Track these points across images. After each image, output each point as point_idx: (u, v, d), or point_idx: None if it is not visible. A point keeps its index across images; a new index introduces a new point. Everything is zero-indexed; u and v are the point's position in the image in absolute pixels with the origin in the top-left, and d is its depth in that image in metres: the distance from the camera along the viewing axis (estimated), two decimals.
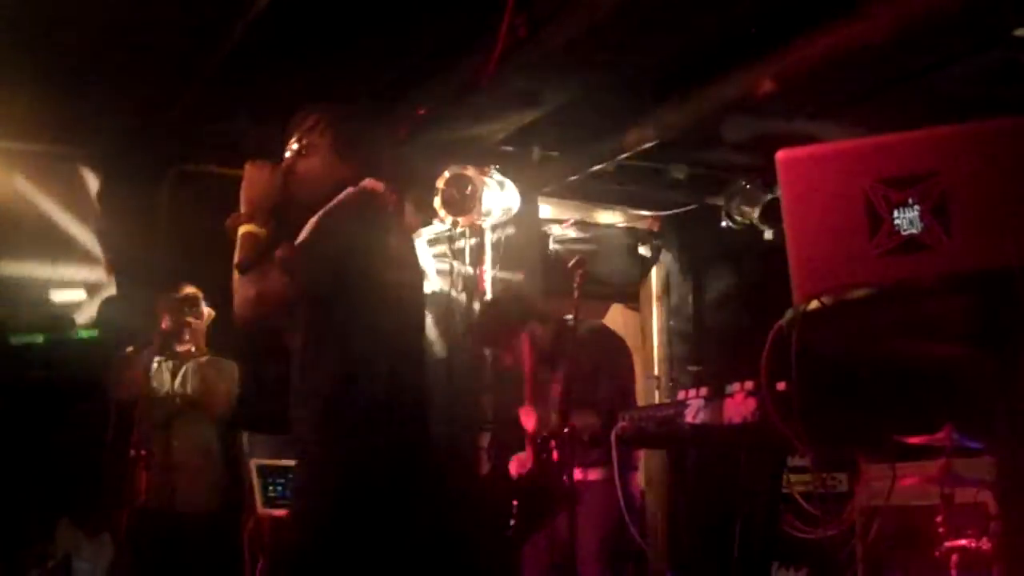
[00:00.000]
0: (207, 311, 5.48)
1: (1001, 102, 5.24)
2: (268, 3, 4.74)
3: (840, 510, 4.66)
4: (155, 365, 5.35)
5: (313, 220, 3.13)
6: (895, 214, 2.19)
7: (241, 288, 3.02)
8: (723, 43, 5.10)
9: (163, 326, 5.24)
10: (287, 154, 3.26)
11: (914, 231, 2.17)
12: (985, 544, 4.53)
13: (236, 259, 3.05)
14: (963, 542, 4.61)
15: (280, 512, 5.47)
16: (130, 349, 5.22)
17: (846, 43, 4.69)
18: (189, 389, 5.43)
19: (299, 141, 3.24)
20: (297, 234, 3.13)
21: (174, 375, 5.46)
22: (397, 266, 3.12)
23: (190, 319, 5.40)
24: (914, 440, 4.62)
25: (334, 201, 3.15)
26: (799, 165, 2.34)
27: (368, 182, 3.19)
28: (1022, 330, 2.07)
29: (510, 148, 6.42)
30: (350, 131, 3.27)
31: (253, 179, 3.16)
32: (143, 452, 5.01)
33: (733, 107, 5.55)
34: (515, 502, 5.04)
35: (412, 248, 3.28)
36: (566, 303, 4.89)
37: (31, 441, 5.81)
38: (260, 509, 5.70)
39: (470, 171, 5.86)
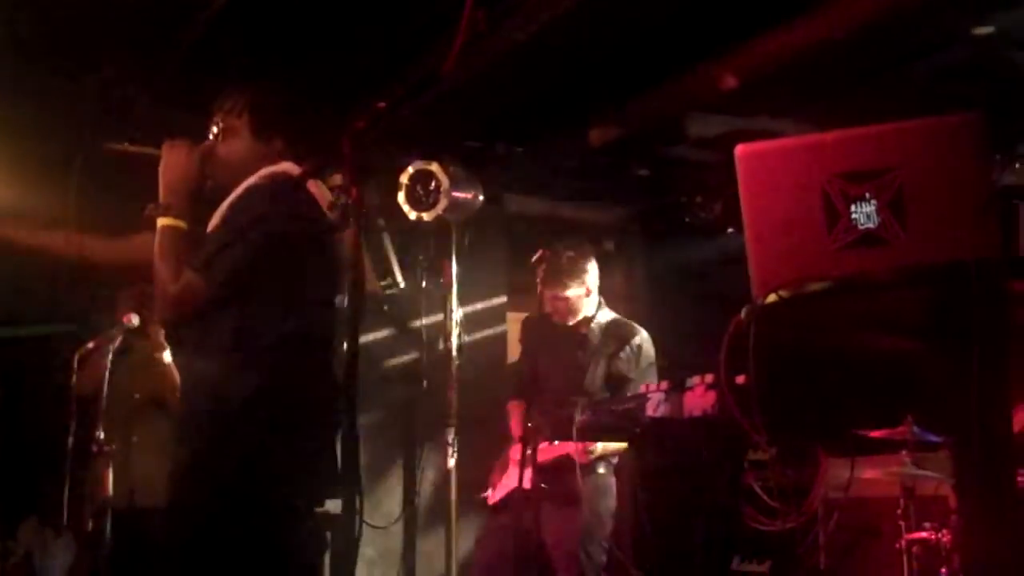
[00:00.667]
0: None
1: (959, 99, 5.28)
2: None
3: (801, 503, 4.69)
4: (116, 360, 5.29)
5: (225, 206, 3.05)
6: (852, 208, 2.20)
7: (160, 285, 2.93)
8: (686, 39, 5.11)
9: (124, 321, 5.19)
10: (209, 136, 3.17)
11: (871, 225, 2.19)
12: (945, 536, 4.57)
13: (155, 254, 2.95)
14: (923, 534, 4.66)
15: None
16: (91, 344, 5.17)
17: (807, 40, 4.72)
18: (150, 385, 5.39)
19: (219, 123, 3.16)
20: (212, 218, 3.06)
21: (134, 370, 5.41)
22: (310, 254, 3.00)
23: (150, 314, 5.35)
24: (874, 433, 4.66)
25: (244, 187, 3.05)
26: (758, 160, 2.35)
27: (281, 166, 3.11)
28: (977, 324, 2.09)
29: (475, 143, 6.42)
30: (270, 112, 3.18)
31: (171, 161, 3.05)
32: (105, 448, 4.97)
33: (696, 104, 5.58)
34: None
35: (326, 238, 3.08)
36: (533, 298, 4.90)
37: None
38: None
39: (434, 166, 5.84)
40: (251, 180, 3.06)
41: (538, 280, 4.78)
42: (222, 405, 2.91)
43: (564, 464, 4.70)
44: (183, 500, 2.96)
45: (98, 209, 3.25)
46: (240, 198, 3.04)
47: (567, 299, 5.14)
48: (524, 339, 5.43)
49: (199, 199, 3.08)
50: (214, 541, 2.84)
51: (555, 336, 5.18)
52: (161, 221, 2.99)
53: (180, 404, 3.15)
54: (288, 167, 3.13)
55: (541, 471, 4.61)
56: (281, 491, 2.91)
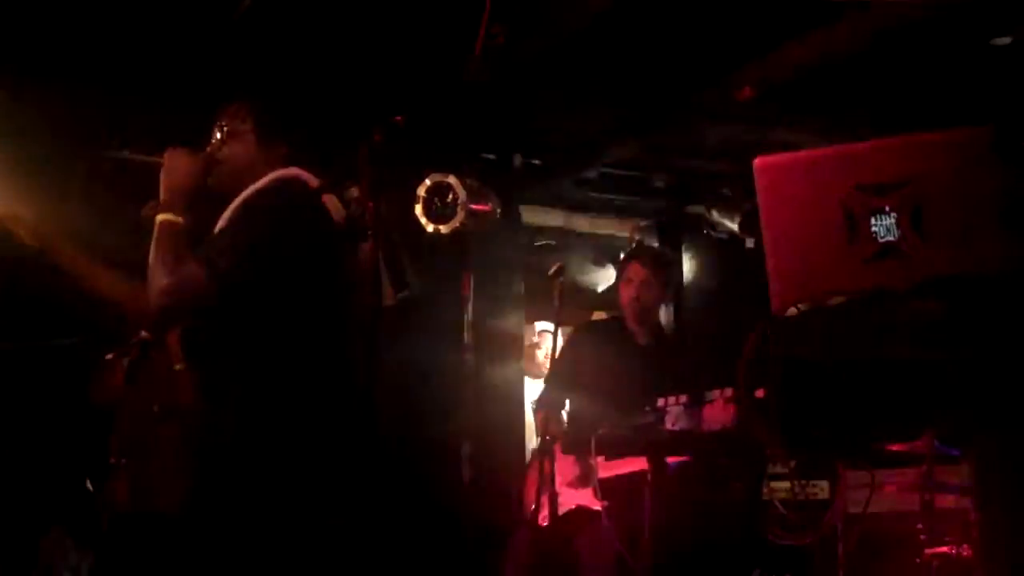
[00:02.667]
0: None
1: (979, 110, 5.26)
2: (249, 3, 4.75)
3: (821, 517, 4.66)
4: (133, 372, 5.31)
5: (232, 207, 3.05)
6: (872, 221, 2.19)
7: (155, 278, 2.90)
8: (704, 51, 5.11)
9: (142, 333, 5.20)
10: (211, 141, 3.16)
11: (891, 238, 2.18)
12: (966, 551, 4.54)
13: (152, 249, 2.93)
14: (944, 549, 4.62)
15: None
16: (109, 356, 5.18)
17: (826, 51, 4.72)
18: (168, 396, 5.40)
19: (222, 128, 3.16)
20: (217, 223, 3.06)
21: (152, 382, 5.42)
22: (319, 257, 2.99)
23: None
24: (894, 447, 4.63)
25: (254, 187, 3.05)
26: (776, 172, 2.34)
27: (291, 170, 3.10)
28: (998, 336, 2.08)
29: (491, 156, 6.42)
30: (273, 118, 3.18)
31: (172, 166, 3.04)
32: (123, 460, 4.98)
33: (714, 116, 5.57)
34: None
35: (336, 241, 3.08)
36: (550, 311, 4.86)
37: (10, 449, 5.78)
38: None
39: (451, 179, 5.84)
40: (259, 183, 3.06)
41: (555, 293, 4.75)
42: (242, 416, 2.91)
43: (631, 481, 4.30)
44: (204, 513, 2.96)
45: (98, 217, 3.24)
46: (248, 198, 3.04)
47: (651, 288, 5.03)
48: (572, 345, 5.24)
49: (200, 202, 3.08)
50: (240, 553, 2.84)
51: (614, 343, 5.07)
52: (159, 217, 2.97)
53: (196, 413, 3.15)
54: (296, 172, 3.12)
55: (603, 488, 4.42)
56: (306, 505, 2.90)
